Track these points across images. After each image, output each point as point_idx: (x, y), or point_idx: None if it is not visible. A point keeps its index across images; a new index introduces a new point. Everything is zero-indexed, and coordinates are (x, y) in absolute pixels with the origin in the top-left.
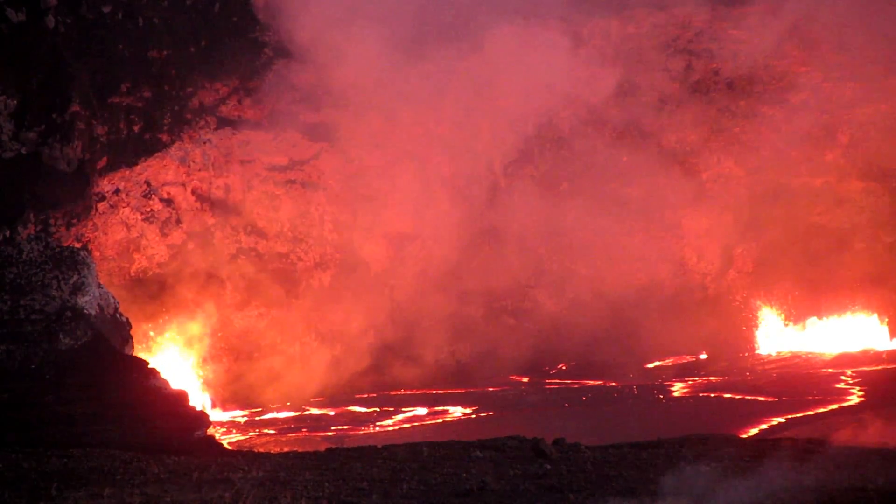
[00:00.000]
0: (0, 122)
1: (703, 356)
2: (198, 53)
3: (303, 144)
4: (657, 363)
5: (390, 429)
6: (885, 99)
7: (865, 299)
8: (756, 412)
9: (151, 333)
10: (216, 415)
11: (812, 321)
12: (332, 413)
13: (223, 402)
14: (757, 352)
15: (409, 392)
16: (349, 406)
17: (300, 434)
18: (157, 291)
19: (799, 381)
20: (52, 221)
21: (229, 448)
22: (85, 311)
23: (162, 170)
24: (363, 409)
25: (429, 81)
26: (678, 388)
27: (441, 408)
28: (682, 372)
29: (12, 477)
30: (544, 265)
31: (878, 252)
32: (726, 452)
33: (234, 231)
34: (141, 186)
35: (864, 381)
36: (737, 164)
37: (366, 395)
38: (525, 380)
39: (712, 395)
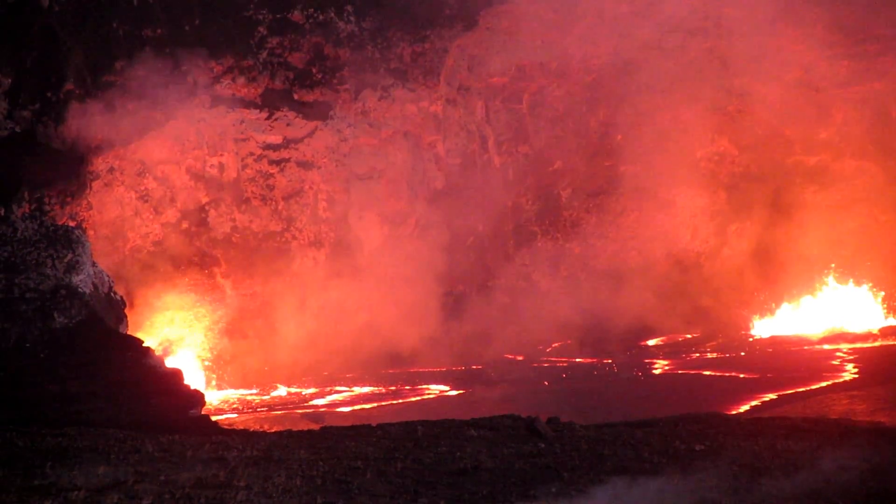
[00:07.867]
0: None
1: (697, 334)
2: (192, 32)
3: (297, 123)
4: (654, 341)
5: (378, 406)
6: (879, 77)
7: (860, 277)
8: (749, 389)
9: (146, 312)
10: (210, 394)
11: (806, 299)
12: (322, 391)
13: (217, 382)
14: (751, 329)
15: (396, 370)
16: (344, 385)
17: (283, 412)
18: (150, 270)
19: (793, 358)
20: (46, 200)
21: (224, 427)
22: (79, 289)
23: (156, 148)
24: (370, 388)
25: (423, 59)
26: (670, 366)
27: (423, 385)
28: (676, 350)
29: (7, 455)
30: (539, 244)
31: (873, 230)
32: (720, 431)
33: (229, 209)
34: (135, 165)
35: (858, 358)
36: (731, 143)
37: (359, 374)
38: (520, 358)
39: (706, 372)
